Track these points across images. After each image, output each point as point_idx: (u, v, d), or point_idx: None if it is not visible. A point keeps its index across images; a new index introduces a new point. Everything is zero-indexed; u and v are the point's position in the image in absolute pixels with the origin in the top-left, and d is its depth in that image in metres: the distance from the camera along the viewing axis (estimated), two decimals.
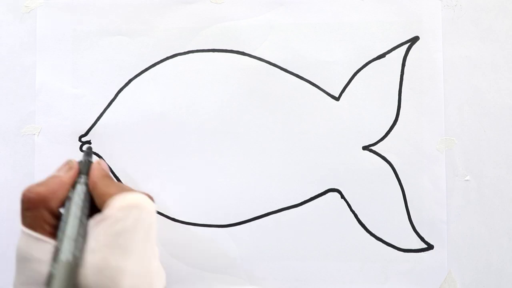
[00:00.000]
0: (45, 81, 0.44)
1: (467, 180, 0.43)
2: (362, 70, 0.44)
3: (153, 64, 0.44)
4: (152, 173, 0.44)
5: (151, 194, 0.36)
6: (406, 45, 0.44)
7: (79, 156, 0.44)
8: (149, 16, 0.44)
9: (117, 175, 0.44)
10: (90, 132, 0.44)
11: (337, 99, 0.44)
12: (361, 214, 0.44)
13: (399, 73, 0.44)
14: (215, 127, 0.44)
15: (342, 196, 0.44)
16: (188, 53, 0.44)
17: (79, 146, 0.44)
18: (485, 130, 0.44)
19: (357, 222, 0.44)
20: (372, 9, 0.44)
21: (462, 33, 0.44)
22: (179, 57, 0.44)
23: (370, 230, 0.44)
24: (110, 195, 0.33)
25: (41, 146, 0.44)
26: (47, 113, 0.44)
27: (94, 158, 0.40)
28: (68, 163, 0.37)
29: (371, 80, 0.44)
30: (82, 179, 0.36)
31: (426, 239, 0.43)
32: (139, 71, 0.44)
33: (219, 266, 0.44)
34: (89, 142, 0.44)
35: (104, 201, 0.33)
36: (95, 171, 0.36)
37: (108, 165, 0.44)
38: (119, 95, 0.44)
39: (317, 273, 0.44)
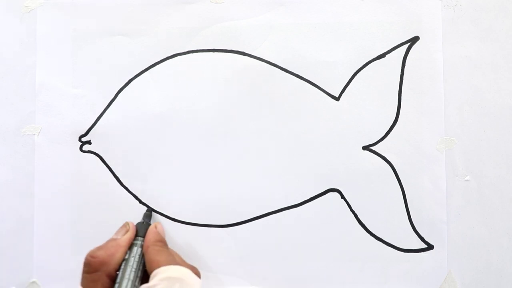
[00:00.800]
0: (45, 81, 0.44)
1: (467, 180, 0.43)
2: (362, 70, 0.44)
3: (153, 64, 0.44)
4: (152, 173, 0.44)
5: (196, 268, 0.39)
6: (406, 45, 0.44)
7: (79, 156, 0.44)
8: (149, 16, 0.44)
9: (117, 175, 0.44)
10: (90, 132, 0.44)
11: (337, 99, 0.44)
12: (361, 214, 0.44)
13: (399, 73, 0.44)
14: (215, 127, 0.44)
15: (342, 196, 0.44)
16: (188, 53, 0.44)
17: (79, 146, 0.44)
18: (485, 130, 0.44)
19: (357, 222, 0.44)
20: (372, 9, 0.44)
21: (462, 33, 0.44)
22: (179, 57, 0.44)
23: (370, 230, 0.44)
24: (158, 263, 0.36)
25: (41, 146, 0.44)
26: (47, 113, 0.44)
27: (153, 220, 0.43)
28: (125, 226, 0.40)
29: (371, 80, 0.44)
30: (139, 241, 0.39)
31: (426, 239, 0.43)
32: (139, 71, 0.44)
33: (219, 266, 0.44)
34: (89, 142, 0.44)
35: (152, 268, 0.36)
36: (150, 235, 0.39)
37: (108, 165, 0.44)
38: (119, 95, 0.44)
39: (317, 273, 0.44)
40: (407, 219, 0.44)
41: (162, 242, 0.40)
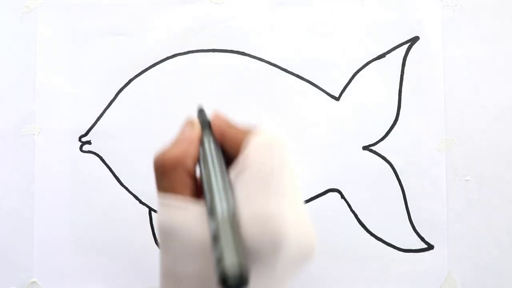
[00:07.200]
0: (45, 81, 0.44)
1: (467, 180, 0.43)
2: (362, 70, 0.44)
3: (153, 64, 0.44)
4: (152, 173, 0.44)
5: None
6: (406, 45, 0.44)
7: (79, 156, 0.44)
8: (149, 16, 0.44)
9: (117, 175, 0.44)
10: (90, 132, 0.44)
11: (337, 99, 0.44)
12: (361, 214, 0.44)
13: (399, 73, 0.44)
14: None
15: (342, 196, 0.44)
16: (188, 53, 0.44)
17: (79, 146, 0.44)
18: (485, 130, 0.44)
19: (357, 222, 0.44)
20: (372, 9, 0.44)
21: (462, 33, 0.44)
22: (179, 57, 0.44)
23: (370, 230, 0.44)
24: (243, 139, 0.30)
25: (41, 146, 0.44)
26: (47, 113, 0.44)
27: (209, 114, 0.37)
28: (189, 122, 0.34)
29: (371, 80, 0.44)
30: (207, 131, 0.33)
31: (426, 239, 0.43)
32: (139, 71, 0.44)
33: None
34: (89, 142, 0.44)
35: (238, 147, 0.30)
36: (217, 121, 0.33)
37: (108, 165, 0.44)
38: (119, 95, 0.44)
39: (317, 273, 0.44)
40: (407, 219, 0.44)
41: (231, 122, 0.34)
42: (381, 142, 0.44)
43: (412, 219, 0.43)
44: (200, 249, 0.27)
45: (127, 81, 0.44)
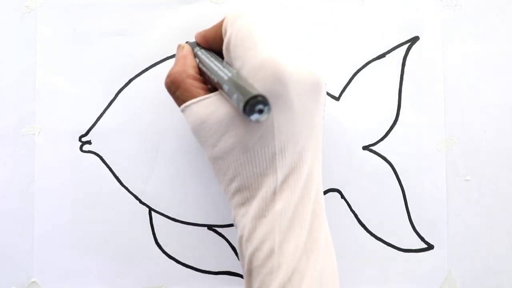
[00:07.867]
0: (45, 81, 0.44)
1: (467, 180, 0.43)
2: (362, 70, 0.44)
3: (153, 64, 0.44)
4: (152, 173, 0.44)
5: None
6: (406, 45, 0.44)
7: (79, 156, 0.44)
8: (149, 16, 0.44)
9: (117, 175, 0.44)
10: (90, 132, 0.44)
11: (337, 99, 0.44)
12: (361, 214, 0.44)
13: (399, 73, 0.44)
14: None
15: (342, 196, 0.44)
16: None
17: (79, 146, 0.44)
18: (485, 130, 0.44)
19: (357, 222, 0.44)
20: (372, 9, 0.44)
21: (462, 33, 0.44)
22: None
23: (370, 230, 0.44)
24: (220, 29, 0.35)
25: (41, 146, 0.44)
26: (47, 113, 0.44)
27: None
28: (179, 46, 0.39)
29: (371, 80, 0.44)
30: (196, 47, 0.38)
31: (426, 239, 0.43)
32: (139, 71, 0.44)
33: (219, 266, 0.44)
34: (89, 142, 0.44)
35: (221, 39, 0.35)
36: (198, 34, 0.38)
37: (108, 165, 0.44)
38: (119, 95, 0.44)
39: None
40: (407, 219, 0.44)
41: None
42: (381, 142, 0.44)
43: (412, 219, 0.43)
44: (230, 123, 0.31)
45: (127, 81, 0.44)
